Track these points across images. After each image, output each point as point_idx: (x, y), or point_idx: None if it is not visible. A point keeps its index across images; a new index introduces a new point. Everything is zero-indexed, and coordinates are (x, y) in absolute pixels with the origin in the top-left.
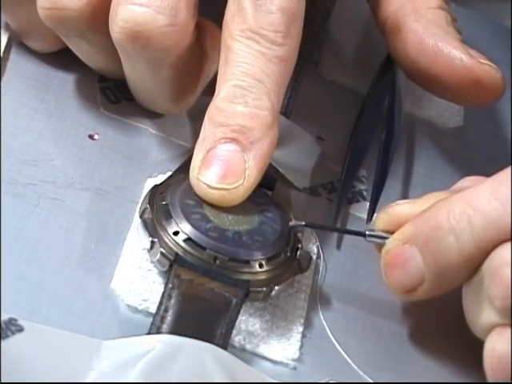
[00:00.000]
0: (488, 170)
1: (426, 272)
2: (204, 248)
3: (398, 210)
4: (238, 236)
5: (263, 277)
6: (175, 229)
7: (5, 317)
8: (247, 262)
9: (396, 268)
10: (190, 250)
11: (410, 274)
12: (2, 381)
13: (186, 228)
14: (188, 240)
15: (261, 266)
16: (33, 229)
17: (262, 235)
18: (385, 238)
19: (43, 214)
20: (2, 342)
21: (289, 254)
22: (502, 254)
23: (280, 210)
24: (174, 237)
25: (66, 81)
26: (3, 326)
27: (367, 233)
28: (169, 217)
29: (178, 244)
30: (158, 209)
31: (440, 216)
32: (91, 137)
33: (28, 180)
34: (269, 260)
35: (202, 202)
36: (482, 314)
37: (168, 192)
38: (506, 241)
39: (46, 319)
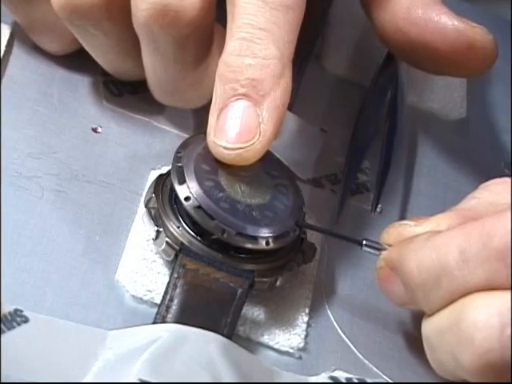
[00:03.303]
0: (490, 162)
1: (408, 300)
2: (213, 218)
3: (403, 230)
4: (248, 210)
5: (268, 266)
6: (187, 194)
7: (10, 308)
8: (254, 239)
9: (385, 287)
10: (199, 220)
11: (397, 295)
12: (8, 370)
13: (198, 195)
14: (198, 208)
15: (267, 243)
16: (37, 221)
17: (272, 211)
18: (380, 249)
19: (47, 207)
20: (8, 333)
21: (297, 232)
22: (474, 314)
23: (294, 184)
24: (185, 202)
25: (69, 74)
26: (9, 317)
27: (364, 242)
28: (182, 181)
29: (183, 234)
30: (173, 170)
31: (411, 264)
32: (94, 130)
33: (32, 173)
34: (276, 238)
35: (217, 168)
36: (448, 365)
37: (185, 154)
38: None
39: (51, 310)
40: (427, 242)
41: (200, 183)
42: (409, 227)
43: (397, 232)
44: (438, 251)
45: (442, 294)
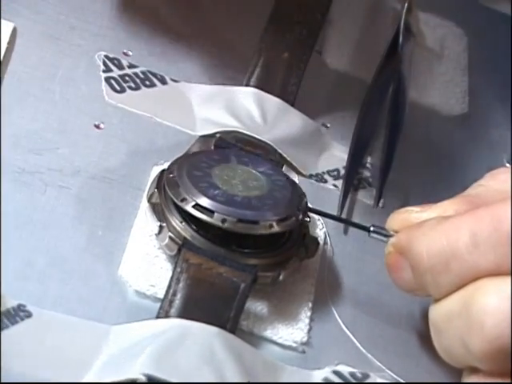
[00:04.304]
0: (491, 156)
1: (416, 285)
2: (212, 211)
3: (409, 216)
4: (247, 200)
5: (271, 261)
6: (183, 196)
7: (13, 303)
8: (256, 223)
9: (394, 273)
10: (199, 216)
11: (405, 281)
12: (11, 365)
13: (194, 195)
14: (196, 206)
15: (271, 226)
16: (40, 217)
17: (272, 199)
18: (388, 235)
19: (50, 202)
20: (11, 328)
21: (301, 217)
22: (484, 299)
23: (290, 180)
24: (182, 204)
25: (71, 71)
26: (12, 311)
27: (372, 229)
28: (176, 187)
29: (186, 229)
30: (166, 182)
31: (421, 248)
32: (97, 126)
33: (35, 168)
34: (279, 221)
35: (210, 173)
36: (455, 351)
37: (176, 166)
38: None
39: (54, 305)
40: (437, 226)
41: (195, 185)
42: (414, 213)
43: (402, 218)
44: (448, 235)
45: (451, 279)
